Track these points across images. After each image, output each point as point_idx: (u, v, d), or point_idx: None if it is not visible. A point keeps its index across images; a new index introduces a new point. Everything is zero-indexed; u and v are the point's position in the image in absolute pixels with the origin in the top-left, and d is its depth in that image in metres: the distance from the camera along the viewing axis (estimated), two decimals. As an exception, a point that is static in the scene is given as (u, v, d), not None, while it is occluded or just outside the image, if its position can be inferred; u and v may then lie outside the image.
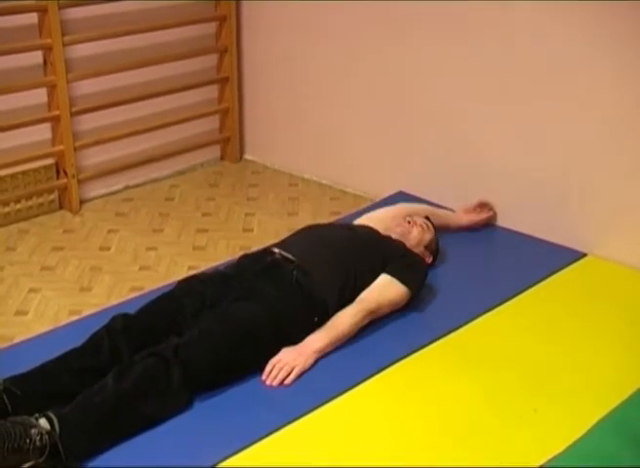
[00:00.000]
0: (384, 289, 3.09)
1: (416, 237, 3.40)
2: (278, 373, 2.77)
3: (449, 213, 3.92)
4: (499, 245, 3.86)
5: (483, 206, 3.93)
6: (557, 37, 3.64)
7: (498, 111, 3.93)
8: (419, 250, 3.39)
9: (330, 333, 2.91)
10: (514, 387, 2.79)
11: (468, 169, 4.09)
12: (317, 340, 2.88)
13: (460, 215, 3.91)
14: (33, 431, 2.33)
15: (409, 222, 3.43)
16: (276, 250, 3.12)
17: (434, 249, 3.49)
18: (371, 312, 3.03)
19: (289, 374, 2.78)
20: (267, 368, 2.79)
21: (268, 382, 2.75)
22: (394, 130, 4.40)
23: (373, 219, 3.52)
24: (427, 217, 3.56)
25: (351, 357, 2.92)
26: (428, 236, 3.46)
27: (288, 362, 2.79)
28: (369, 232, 3.35)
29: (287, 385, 2.76)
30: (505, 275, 3.53)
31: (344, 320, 2.96)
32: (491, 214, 3.94)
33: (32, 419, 2.37)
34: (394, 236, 3.36)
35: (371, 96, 4.46)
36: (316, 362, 2.87)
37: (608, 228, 3.67)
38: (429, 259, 3.44)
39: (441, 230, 3.61)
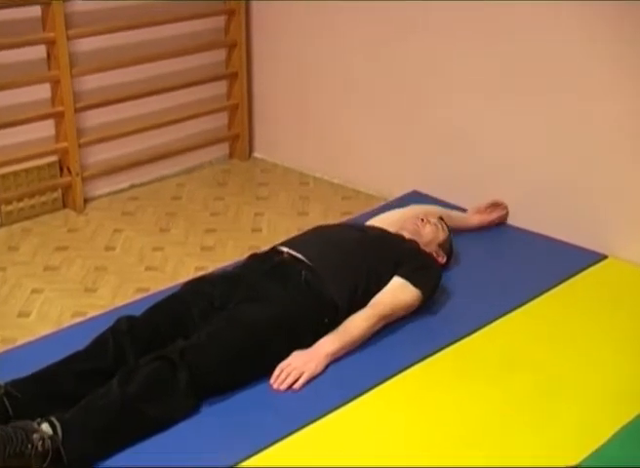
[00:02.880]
0: (398, 292, 3.08)
1: (428, 234, 3.40)
2: (287, 378, 2.76)
3: (460, 213, 3.93)
4: (515, 246, 3.84)
5: (495, 205, 3.93)
6: (575, 31, 3.64)
7: (515, 109, 3.93)
8: (432, 248, 3.39)
9: (342, 337, 2.90)
10: (531, 394, 2.78)
11: (484, 167, 4.08)
12: (329, 344, 2.88)
13: (472, 216, 3.92)
14: (35, 436, 2.33)
15: (422, 220, 3.44)
16: (285, 249, 3.12)
17: (448, 249, 3.49)
18: (384, 317, 3.03)
19: (297, 380, 2.77)
20: (276, 372, 2.78)
21: (276, 386, 2.75)
22: (408, 128, 4.39)
23: (384, 222, 3.52)
24: (441, 218, 3.56)
25: (362, 362, 2.91)
26: (442, 235, 3.45)
27: (297, 366, 2.78)
28: (381, 233, 3.34)
29: (295, 390, 2.75)
30: (522, 278, 3.51)
31: (358, 324, 2.95)
32: (503, 212, 3.95)
33: (34, 424, 2.37)
34: (407, 235, 3.36)
35: (385, 93, 4.45)
36: (327, 367, 2.86)
37: (630, 229, 3.65)
38: (443, 259, 3.43)
39: (453, 231, 3.61)
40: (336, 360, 2.89)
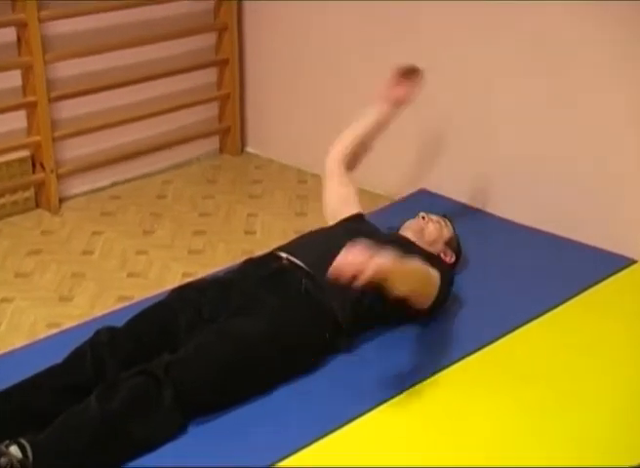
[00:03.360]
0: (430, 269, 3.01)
1: (432, 232, 3.40)
2: (356, 258, 2.53)
3: (369, 111, 3.61)
4: (536, 249, 3.82)
5: (405, 73, 3.54)
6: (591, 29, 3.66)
7: (534, 101, 3.93)
8: (438, 247, 3.39)
9: (399, 259, 2.69)
10: (555, 406, 2.78)
11: (500, 165, 4.08)
12: (392, 258, 2.64)
13: (382, 103, 3.59)
14: (3, 460, 2.31)
15: (423, 218, 3.43)
16: (284, 254, 3.11)
17: (456, 247, 3.48)
18: (430, 280, 2.97)
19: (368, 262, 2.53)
20: (338, 258, 2.56)
21: (339, 268, 2.54)
22: (415, 122, 4.38)
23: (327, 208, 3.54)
24: (445, 215, 3.54)
25: (376, 374, 2.90)
26: (447, 232, 3.45)
27: (365, 249, 2.56)
28: (391, 236, 3.34)
29: (363, 281, 2.51)
30: (543, 283, 3.50)
31: (415, 260, 2.85)
32: (417, 79, 3.54)
33: (2, 447, 2.35)
34: (410, 235, 3.36)
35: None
36: (334, 382, 2.83)
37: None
38: (452, 258, 3.43)
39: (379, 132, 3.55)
40: (347, 370, 2.86)
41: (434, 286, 3.05)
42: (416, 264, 2.88)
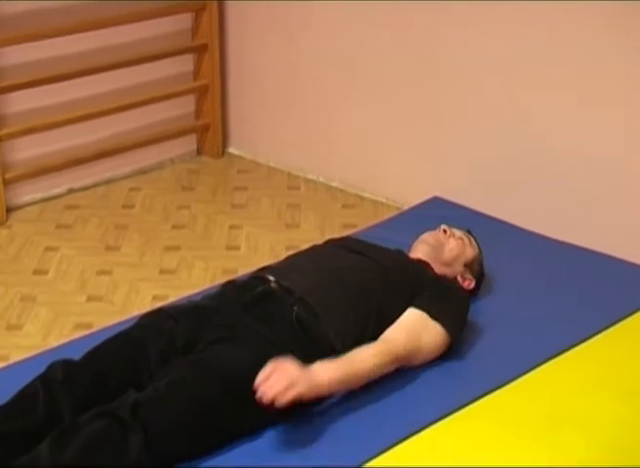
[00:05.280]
0: (417, 329, 3.05)
1: (453, 250, 3.39)
2: (275, 384, 2.66)
3: None
4: (570, 268, 3.81)
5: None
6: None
7: (560, 103, 4.00)
8: (456, 268, 3.38)
9: (344, 369, 2.84)
10: (589, 453, 2.75)
11: (522, 169, 4.15)
12: (327, 371, 2.79)
13: None
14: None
15: (444, 232, 3.42)
16: (271, 277, 3.10)
17: (478, 270, 3.47)
18: (398, 359, 2.99)
19: (286, 391, 2.66)
20: (264, 372, 2.67)
21: (262, 388, 2.66)
22: (426, 120, 4.44)
23: None
24: (469, 231, 3.54)
25: (378, 414, 2.89)
26: (470, 252, 3.44)
27: (291, 374, 2.69)
28: (396, 255, 3.33)
29: (278, 406, 2.66)
30: (579, 308, 3.48)
31: (363, 357, 2.90)
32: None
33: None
34: (422, 253, 3.35)
35: (398, 76, 4.49)
36: (324, 426, 2.81)
37: None
38: (471, 284, 3.42)
39: None
40: (346, 410, 2.86)
41: (433, 352, 3.08)
42: (371, 361, 2.91)
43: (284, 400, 2.65)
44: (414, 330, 3.06)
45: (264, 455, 2.69)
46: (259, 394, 2.65)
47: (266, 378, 2.66)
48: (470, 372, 3.12)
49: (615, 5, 3.71)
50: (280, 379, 2.65)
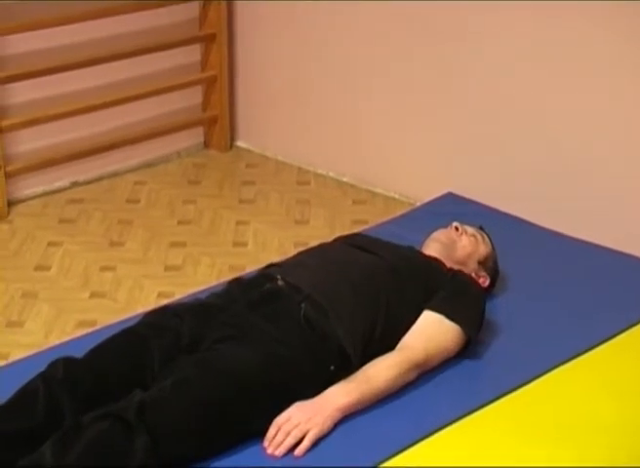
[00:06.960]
0: (432, 332, 3.06)
1: (466, 247, 3.39)
2: (286, 438, 2.71)
3: None
4: (586, 266, 3.80)
5: None
6: None
7: (575, 98, 4.01)
8: (470, 266, 3.38)
9: (360, 388, 2.85)
10: (608, 459, 2.74)
11: (538, 165, 4.15)
12: (342, 395, 2.82)
13: None
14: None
15: (456, 229, 3.43)
16: (278, 275, 3.09)
17: (492, 268, 3.47)
18: (417, 365, 2.99)
19: (301, 441, 2.71)
20: (271, 431, 2.72)
21: (271, 451, 2.69)
22: (440, 114, 4.43)
23: None
24: (481, 228, 3.54)
25: (388, 417, 2.88)
26: (484, 249, 3.44)
27: (300, 422, 2.72)
28: (408, 252, 3.33)
29: (298, 457, 2.69)
30: (600, 308, 3.47)
31: (381, 371, 2.91)
32: None
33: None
34: (434, 250, 3.36)
35: (414, 68, 4.49)
36: (337, 424, 2.80)
37: None
38: (486, 281, 3.42)
39: None
40: (360, 410, 2.85)
41: (451, 351, 3.08)
42: (389, 374, 2.92)
43: (302, 452, 2.71)
44: (432, 335, 3.06)
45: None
46: (271, 453, 2.71)
47: (273, 438, 2.72)
48: (486, 374, 3.12)
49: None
50: (291, 432, 2.72)
